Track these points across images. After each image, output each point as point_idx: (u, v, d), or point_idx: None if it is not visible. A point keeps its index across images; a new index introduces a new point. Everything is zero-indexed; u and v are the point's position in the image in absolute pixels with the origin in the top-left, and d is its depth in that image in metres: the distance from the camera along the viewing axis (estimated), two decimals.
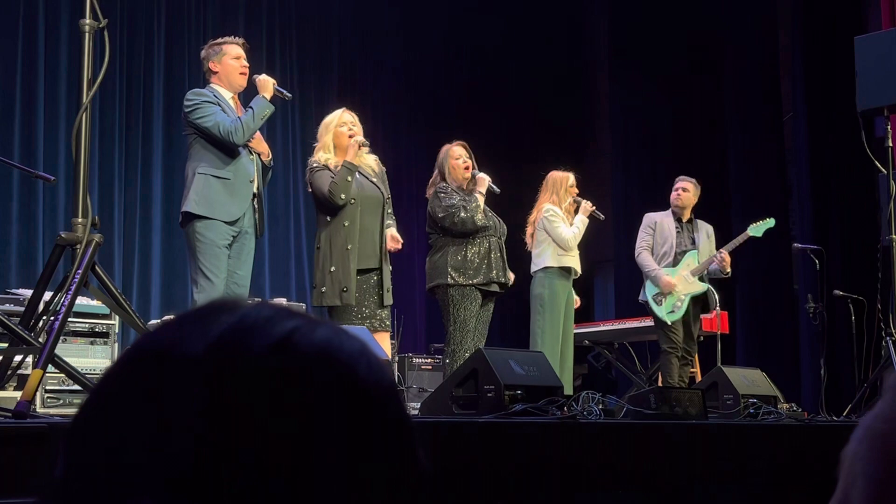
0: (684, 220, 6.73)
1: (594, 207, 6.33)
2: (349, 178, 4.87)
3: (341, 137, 5.02)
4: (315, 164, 4.98)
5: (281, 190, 8.84)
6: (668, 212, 6.74)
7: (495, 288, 5.58)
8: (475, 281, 5.47)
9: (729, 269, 6.69)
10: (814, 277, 7.15)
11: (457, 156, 5.63)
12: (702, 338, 7.79)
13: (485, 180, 5.62)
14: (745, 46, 9.48)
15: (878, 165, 5.36)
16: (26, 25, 7.44)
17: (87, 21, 3.47)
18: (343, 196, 4.84)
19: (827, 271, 6.99)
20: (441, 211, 5.49)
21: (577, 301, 6.44)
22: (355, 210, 4.90)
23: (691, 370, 7.89)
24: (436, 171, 5.71)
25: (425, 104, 10.03)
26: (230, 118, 4.53)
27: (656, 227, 6.65)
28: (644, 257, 6.61)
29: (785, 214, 9.19)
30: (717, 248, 6.73)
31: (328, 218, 4.91)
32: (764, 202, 9.18)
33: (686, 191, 6.70)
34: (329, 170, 4.93)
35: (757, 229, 6.83)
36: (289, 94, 4.88)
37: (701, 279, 6.65)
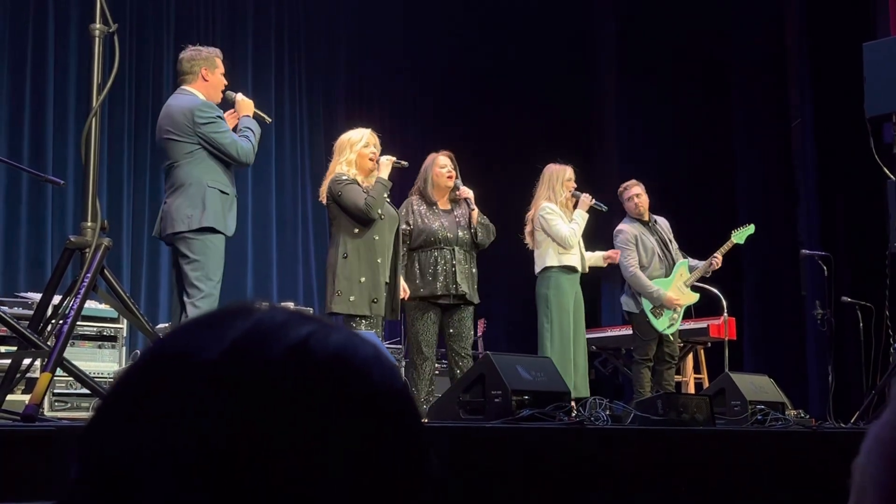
0: (649, 223, 6.66)
1: (593, 200, 6.17)
2: (385, 195, 5.12)
3: (364, 159, 5.19)
4: (344, 177, 5.11)
5: (289, 196, 8.87)
6: (631, 220, 6.63)
7: (446, 301, 5.51)
8: (422, 293, 5.48)
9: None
10: (822, 284, 7.14)
11: (442, 164, 5.67)
12: (709, 344, 7.78)
13: (467, 193, 5.66)
14: (753, 52, 9.48)
15: (887, 172, 5.35)
16: (36, 30, 7.46)
17: (97, 26, 3.48)
18: (379, 211, 5.07)
19: (835, 278, 6.97)
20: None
21: None
22: (383, 226, 5.13)
23: (696, 376, 7.89)
24: (420, 181, 5.71)
25: (433, 109, 10.02)
26: (246, 142, 4.63)
27: (637, 242, 6.53)
28: (639, 277, 6.44)
29: (793, 221, 9.17)
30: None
31: (356, 230, 5.07)
32: (771, 208, 9.17)
33: (640, 195, 6.62)
34: (358, 184, 5.11)
35: (739, 235, 6.80)
36: (269, 119, 5.02)
37: (692, 288, 6.64)
